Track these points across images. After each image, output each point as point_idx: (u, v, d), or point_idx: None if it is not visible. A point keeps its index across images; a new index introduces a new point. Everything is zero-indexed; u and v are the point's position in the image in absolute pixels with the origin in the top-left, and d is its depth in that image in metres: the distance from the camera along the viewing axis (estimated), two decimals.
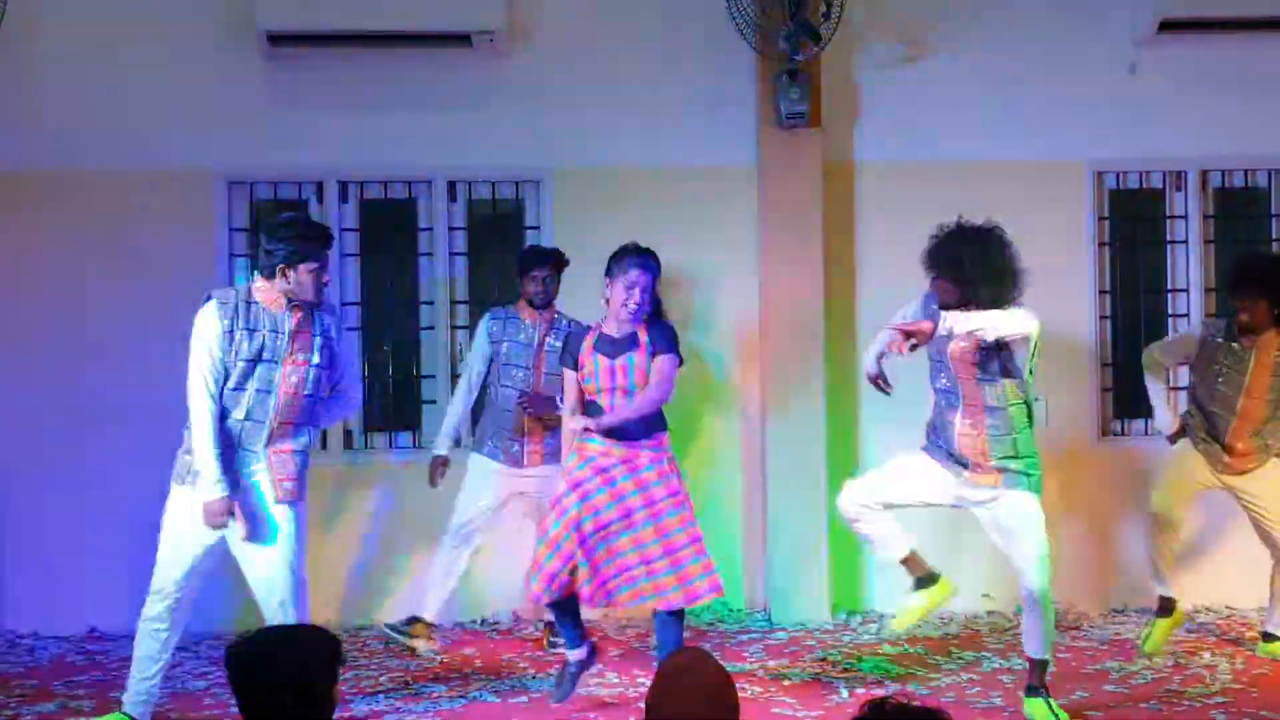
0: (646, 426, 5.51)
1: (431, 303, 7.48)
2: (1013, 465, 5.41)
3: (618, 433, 5.47)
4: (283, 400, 5.18)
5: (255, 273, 5.30)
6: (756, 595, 7.44)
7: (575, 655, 5.63)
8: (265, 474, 5.17)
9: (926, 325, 5.23)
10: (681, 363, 5.58)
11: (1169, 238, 7.66)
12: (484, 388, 6.75)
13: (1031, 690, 5.57)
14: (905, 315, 5.56)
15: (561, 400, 5.74)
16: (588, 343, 5.56)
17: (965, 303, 5.33)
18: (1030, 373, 5.42)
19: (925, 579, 5.60)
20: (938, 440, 5.56)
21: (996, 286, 5.31)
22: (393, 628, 6.61)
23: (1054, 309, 7.31)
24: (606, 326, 5.57)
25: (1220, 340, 6.34)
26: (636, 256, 5.51)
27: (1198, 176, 7.59)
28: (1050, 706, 5.50)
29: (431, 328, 7.48)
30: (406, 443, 7.44)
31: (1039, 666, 5.57)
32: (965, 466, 5.46)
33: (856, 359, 7.19)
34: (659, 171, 7.42)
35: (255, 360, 5.14)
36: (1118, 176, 7.64)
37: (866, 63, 7.45)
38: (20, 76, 7.26)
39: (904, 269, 5.77)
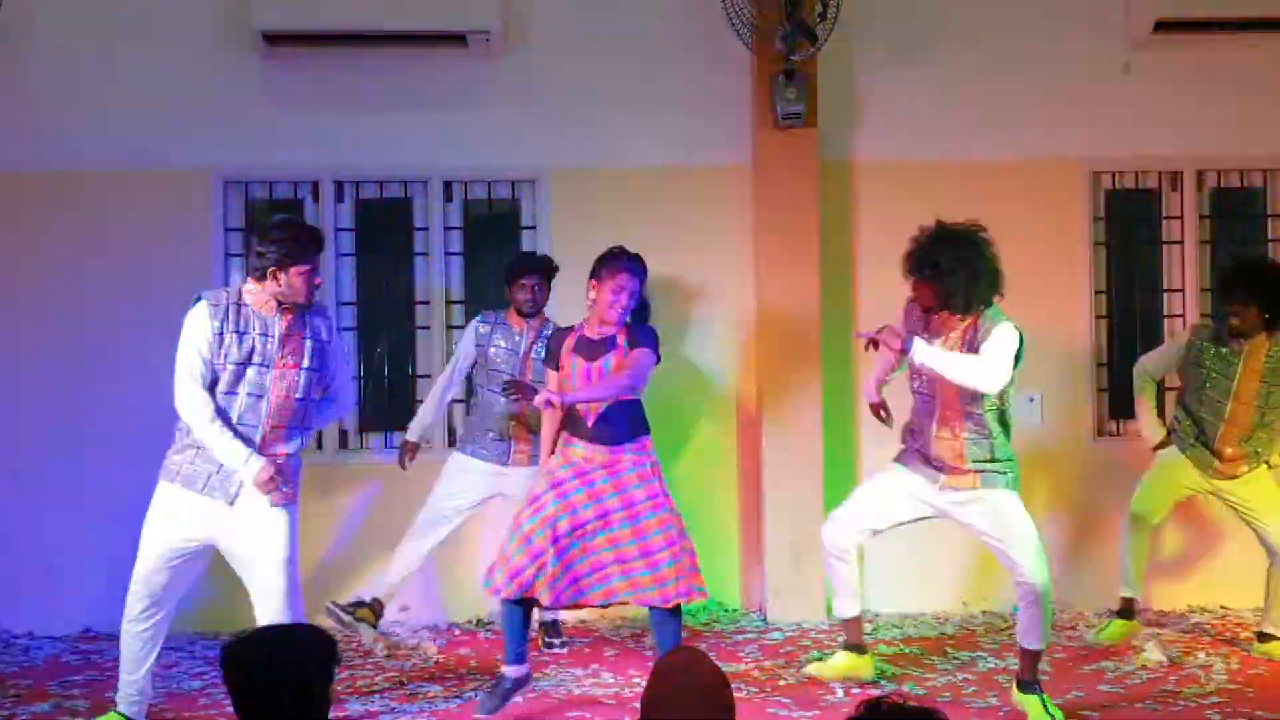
0: (629, 430, 5.50)
1: (427, 302, 7.47)
2: (989, 467, 5.43)
3: (601, 437, 5.46)
4: (275, 404, 5.17)
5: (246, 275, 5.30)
6: (752, 595, 7.44)
7: (514, 672, 5.57)
8: None
9: (896, 347, 5.27)
10: (658, 360, 5.55)
11: (1164, 238, 7.66)
12: (472, 391, 6.79)
13: (1025, 685, 5.57)
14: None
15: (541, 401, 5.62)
16: (568, 344, 5.57)
17: (945, 305, 5.36)
18: (1010, 381, 5.43)
19: (855, 647, 5.72)
20: (915, 443, 5.58)
21: (975, 289, 5.33)
22: (341, 608, 6.57)
23: (1050, 308, 7.40)
24: (587, 329, 5.58)
25: (1208, 344, 6.36)
26: (625, 260, 5.51)
27: (1193, 176, 7.59)
28: (1045, 704, 5.51)
29: (427, 327, 7.47)
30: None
31: (1034, 658, 5.58)
32: (941, 470, 5.47)
33: (853, 358, 7.22)
34: (655, 171, 7.42)
35: (245, 364, 5.12)
36: (1113, 176, 7.64)
37: (863, 62, 7.45)
38: (15, 76, 7.25)
39: (901, 268, 5.77)
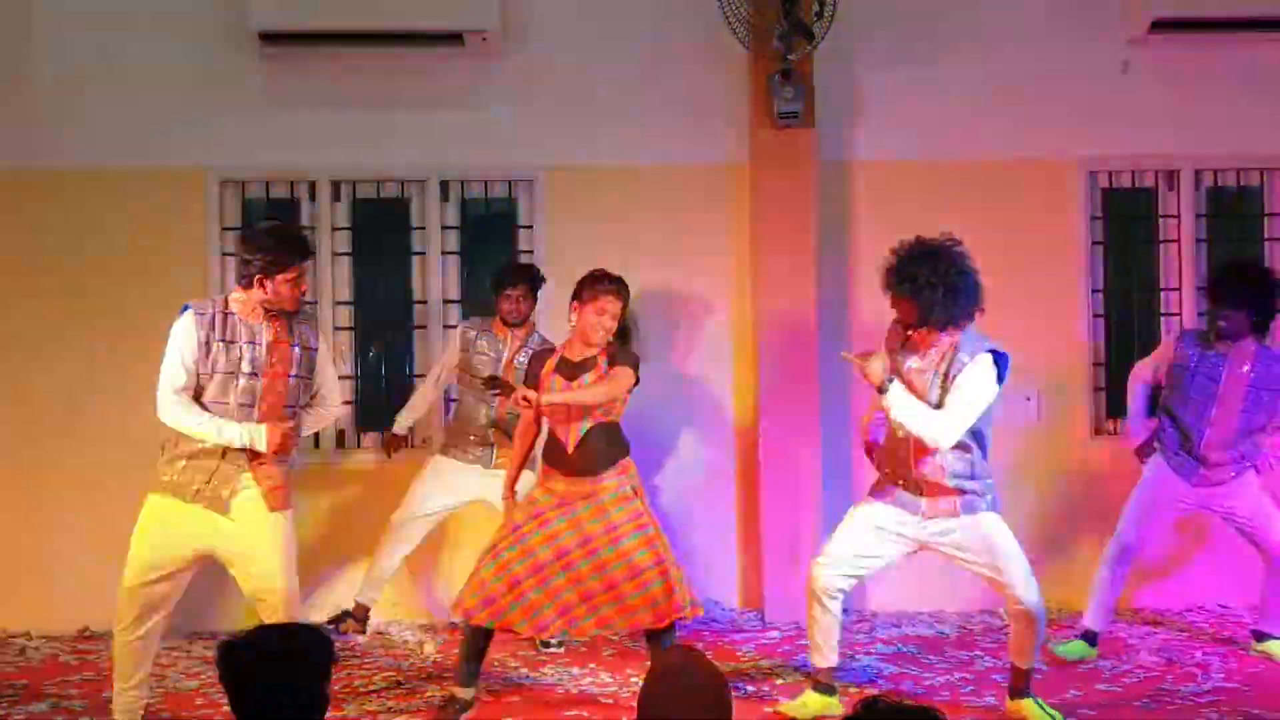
0: (609, 454, 5.50)
1: (424, 302, 7.47)
2: (969, 486, 5.39)
3: (581, 468, 5.45)
4: (265, 412, 5.15)
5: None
6: (750, 595, 7.44)
7: (465, 694, 5.56)
8: (253, 486, 5.15)
9: (874, 383, 5.26)
10: (637, 382, 5.53)
11: (1162, 237, 7.66)
12: (455, 396, 6.84)
13: (1017, 692, 5.57)
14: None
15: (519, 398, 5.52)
16: (549, 364, 5.56)
17: (924, 321, 5.34)
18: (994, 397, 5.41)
19: (826, 687, 5.64)
20: (890, 469, 5.53)
21: (954, 303, 5.31)
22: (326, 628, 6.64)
23: (1047, 307, 7.41)
24: (569, 350, 5.58)
25: (1196, 346, 6.36)
26: (607, 282, 5.51)
27: (1190, 175, 7.59)
28: (1040, 706, 5.51)
29: (424, 327, 7.47)
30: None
31: (1026, 673, 5.57)
32: (921, 494, 5.44)
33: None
34: (652, 171, 7.42)
35: (234, 373, 5.11)
36: (1110, 175, 7.64)
37: (860, 61, 7.44)
38: (13, 75, 7.25)
39: (880, 283, 5.73)
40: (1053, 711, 5.51)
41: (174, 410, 5.10)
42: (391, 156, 7.37)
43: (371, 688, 6.09)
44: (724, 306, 7.46)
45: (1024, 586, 5.42)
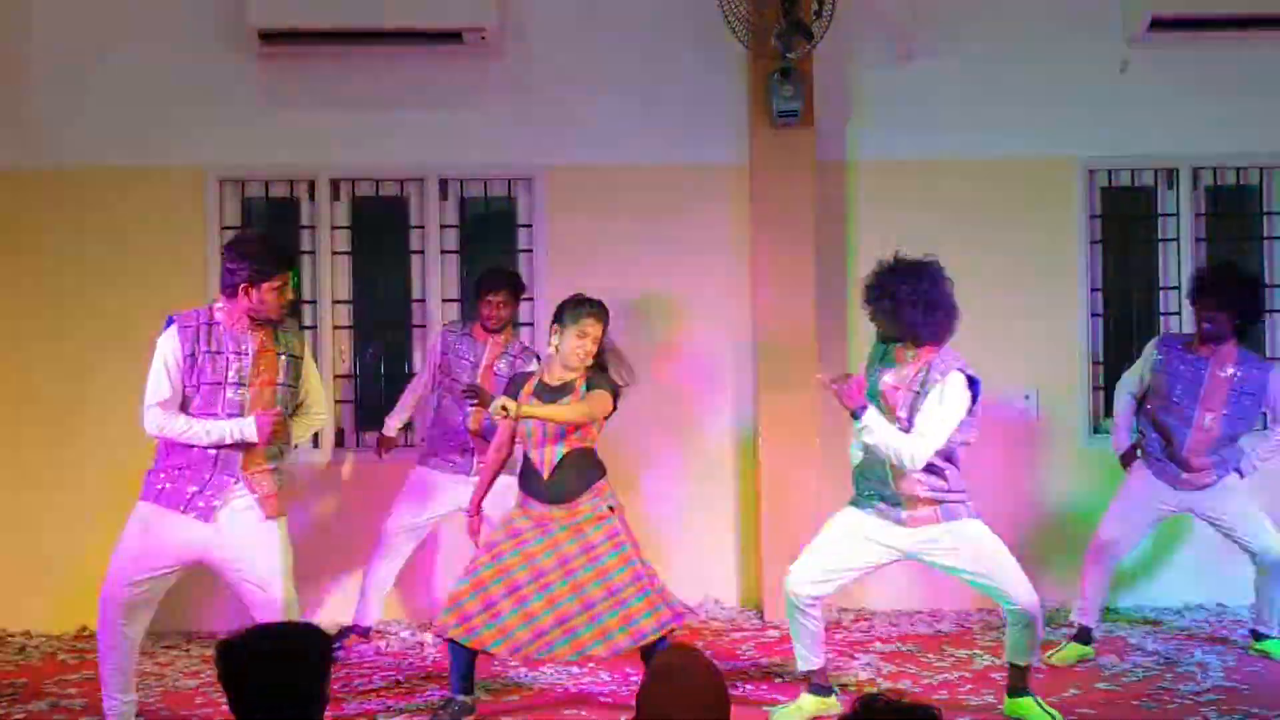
0: (584, 480, 5.48)
1: (423, 300, 7.47)
2: (948, 496, 5.41)
3: (556, 495, 5.44)
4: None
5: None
6: (749, 593, 7.44)
7: (463, 698, 5.53)
8: (247, 495, 5.15)
9: (849, 407, 5.25)
10: (614, 409, 5.52)
11: (1160, 235, 7.66)
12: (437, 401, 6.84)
13: (1016, 691, 5.57)
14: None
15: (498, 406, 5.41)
16: (527, 388, 5.55)
17: (902, 337, 5.36)
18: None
19: (823, 689, 5.63)
20: (868, 486, 5.52)
21: (931, 321, 5.33)
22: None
23: (1046, 306, 7.42)
24: (548, 374, 5.57)
25: (1178, 349, 6.37)
26: (589, 306, 5.50)
27: (1189, 174, 7.59)
28: (1040, 704, 5.51)
29: (423, 325, 7.47)
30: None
31: (1025, 672, 5.58)
32: (900, 506, 5.44)
33: (849, 356, 7.20)
34: (651, 169, 7.42)
35: (221, 383, 5.10)
36: (1109, 174, 7.64)
37: (859, 60, 7.45)
38: (11, 74, 7.25)
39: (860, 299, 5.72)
40: (1052, 710, 5.51)
41: (159, 421, 5.09)
42: (390, 155, 7.37)
43: (371, 687, 6.09)
44: (722, 305, 7.46)
45: (1018, 588, 5.43)
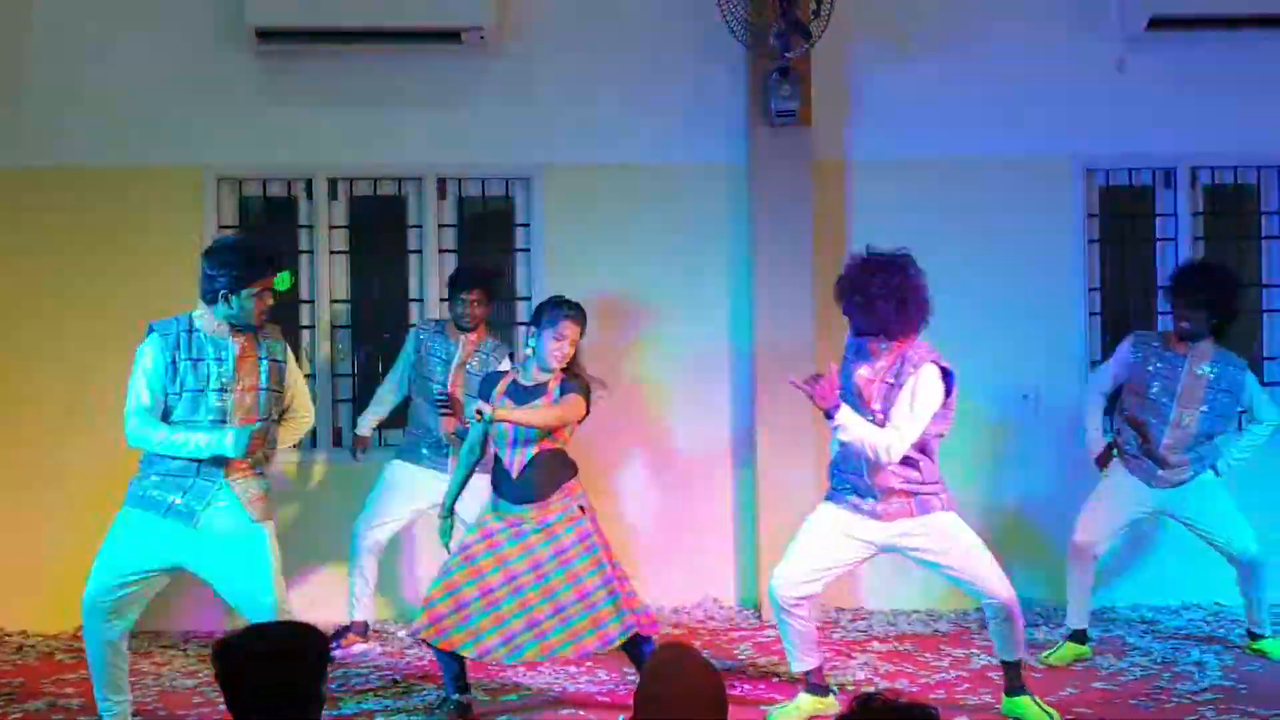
0: (554, 479, 5.49)
1: (421, 300, 7.47)
2: (922, 489, 5.42)
3: (527, 494, 5.45)
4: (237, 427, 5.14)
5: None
6: (747, 593, 7.44)
7: (458, 696, 5.57)
8: (233, 500, 5.14)
9: (823, 407, 5.25)
10: (588, 413, 5.53)
11: (1158, 235, 7.67)
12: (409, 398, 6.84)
13: (1015, 690, 5.57)
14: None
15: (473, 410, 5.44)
16: (499, 389, 5.56)
17: (875, 332, 5.37)
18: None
19: (821, 689, 5.63)
20: (843, 478, 5.53)
21: (904, 316, 5.33)
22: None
23: (1044, 305, 7.41)
24: (521, 375, 5.59)
25: (1154, 347, 6.37)
26: (567, 308, 5.51)
27: (1187, 173, 7.60)
28: (1037, 703, 5.52)
29: None
30: (395, 439, 7.42)
31: (1017, 667, 5.58)
32: (876, 498, 5.44)
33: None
34: (650, 169, 7.42)
35: (203, 390, 5.10)
36: (1107, 174, 7.64)
37: (857, 60, 7.45)
38: (10, 74, 7.24)
39: (833, 295, 5.70)
40: (1049, 710, 5.51)
41: (140, 432, 5.09)
42: (388, 154, 7.37)
43: (369, 687, 6.09)
44: (721, 305, 7.46)
45: (992, 582, 5.45)
